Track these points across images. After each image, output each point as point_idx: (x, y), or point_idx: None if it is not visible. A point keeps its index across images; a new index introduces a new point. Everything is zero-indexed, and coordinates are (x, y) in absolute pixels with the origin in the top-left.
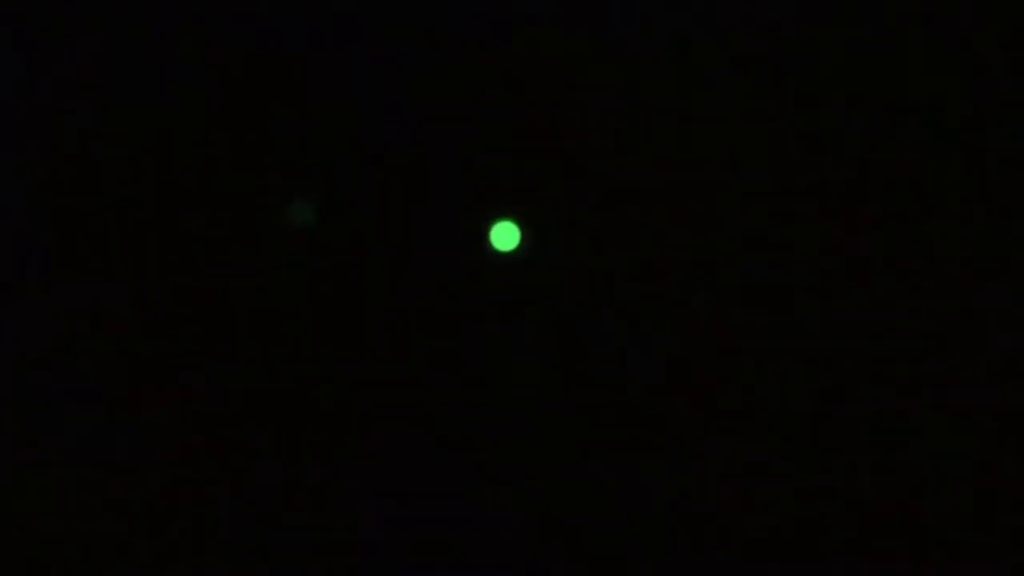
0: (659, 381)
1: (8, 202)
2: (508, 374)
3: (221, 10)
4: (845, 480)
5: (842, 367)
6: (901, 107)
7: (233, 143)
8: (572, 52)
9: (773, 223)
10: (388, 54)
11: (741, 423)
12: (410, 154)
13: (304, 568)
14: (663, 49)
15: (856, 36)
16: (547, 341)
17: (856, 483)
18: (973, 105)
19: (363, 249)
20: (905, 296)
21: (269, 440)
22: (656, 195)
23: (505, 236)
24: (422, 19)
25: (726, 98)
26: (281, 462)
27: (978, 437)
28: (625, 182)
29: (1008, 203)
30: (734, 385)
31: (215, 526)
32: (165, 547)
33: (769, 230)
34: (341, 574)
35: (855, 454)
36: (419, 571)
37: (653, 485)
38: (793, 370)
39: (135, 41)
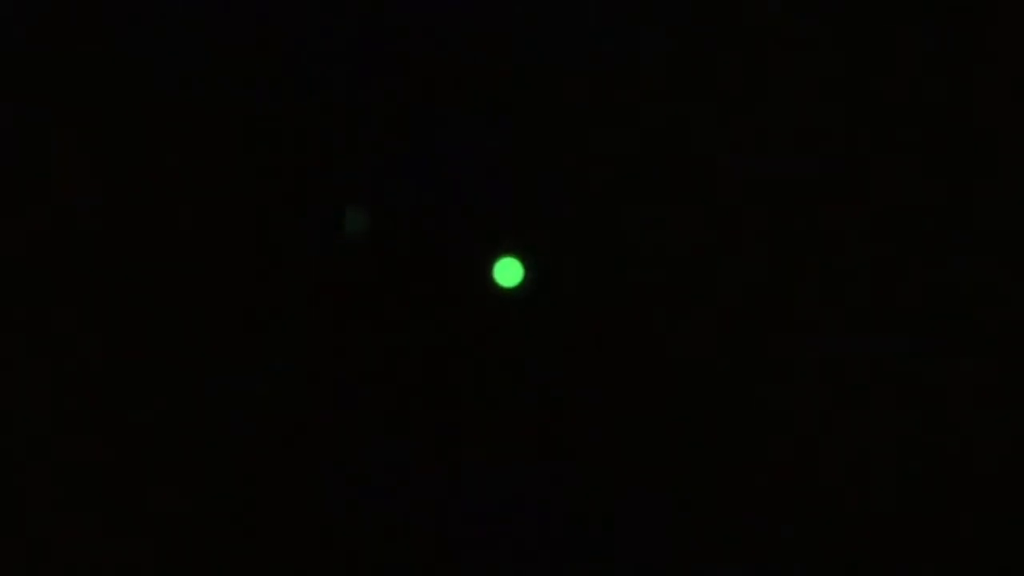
0: (662, 415)
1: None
2: (511, 409)
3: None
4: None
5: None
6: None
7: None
8: (575, 90)
9: (774, 259)
10: (395, 90)
11: (747, 453)
12: (413, 191)
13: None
14: (664, 89)
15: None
16: (549, 376)
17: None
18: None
19: (366, 286)
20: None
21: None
22: (658, 231)
23: (508, 272)
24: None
25: (727, 135)
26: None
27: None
28: (628, 219)
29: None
30: (738, 416)
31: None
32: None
33: (770, 266)
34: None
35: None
36: None
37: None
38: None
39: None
